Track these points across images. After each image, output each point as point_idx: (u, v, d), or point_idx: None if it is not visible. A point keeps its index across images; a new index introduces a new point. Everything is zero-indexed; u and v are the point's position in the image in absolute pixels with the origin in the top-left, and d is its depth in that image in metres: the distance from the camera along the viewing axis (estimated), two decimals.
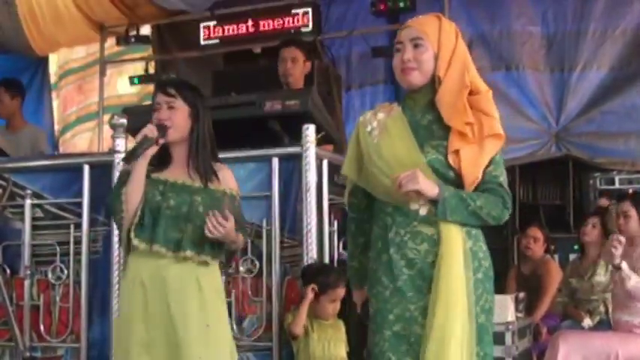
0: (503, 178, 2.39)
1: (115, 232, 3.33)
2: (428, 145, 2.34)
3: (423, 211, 2.33)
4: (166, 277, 2.66)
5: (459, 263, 2.27)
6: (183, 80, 2.91)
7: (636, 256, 4.19)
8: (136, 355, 2.64)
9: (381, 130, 2.41)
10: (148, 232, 2.67)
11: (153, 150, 2.71)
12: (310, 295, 3.16)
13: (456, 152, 2.31)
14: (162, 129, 2.72)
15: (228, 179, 2.85)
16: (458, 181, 2.33)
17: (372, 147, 2.40)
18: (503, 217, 2.37)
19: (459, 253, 2.28)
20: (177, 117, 2.76)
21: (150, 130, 2.70)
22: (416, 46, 2.38)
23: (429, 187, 2.26)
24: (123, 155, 3.36)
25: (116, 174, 3.35)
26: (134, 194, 2.68)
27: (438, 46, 2.38)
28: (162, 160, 2.78)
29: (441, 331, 2.23)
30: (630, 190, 5.39)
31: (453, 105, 2.33)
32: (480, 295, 2.33)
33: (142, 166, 2.70)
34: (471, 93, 2.37)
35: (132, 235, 2.66)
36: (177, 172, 2.77)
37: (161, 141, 2.72)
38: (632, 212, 4.62)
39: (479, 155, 2.32)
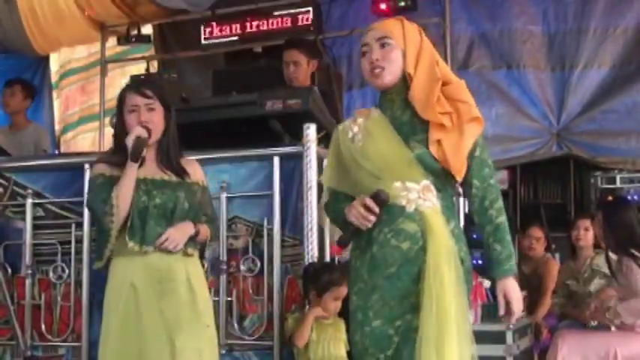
0: (489, 170, 2.41)
1: None
2: (412, 140, 2.36)
3: (410, 208, 2.33)
4: (158, 273, 2.72)
5: (446, 260, 2.28)
6: (154, 80, 2.94)
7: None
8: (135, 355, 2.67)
9: (364, 134, 2.42)
10: (138, 233, 2.71)
11: (145, 151, 2.75)
12: (316, 313, 3.14)
13: (438, 142, 2.33)
14: (149, 131, 2.76)
15: (197, 172, 2.92)
16: (446, 171, 2.35)
17: (357, 151, 2.41)
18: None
19: (445, 249, 2.29)
20: (157, 118, 2.81)
21: (142, 132, 2.73)
22: (382, 45, 2.40)
23: (520, 297, 2.39)
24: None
25: None
26: (126, 197, 2.70)
27: (404, 43, 2.40)
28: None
29: (437, 330, 2.22)
30: None
31: (426, 99, 2.35)
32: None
33: (134, 168, 2.72)
34: (443, 84, 2.38)
35: (126, 238, 2.70)
36: (150, 171, 2.81)
37: (148, 143, 2.76)
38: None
39: (460, 141, 2.34)
